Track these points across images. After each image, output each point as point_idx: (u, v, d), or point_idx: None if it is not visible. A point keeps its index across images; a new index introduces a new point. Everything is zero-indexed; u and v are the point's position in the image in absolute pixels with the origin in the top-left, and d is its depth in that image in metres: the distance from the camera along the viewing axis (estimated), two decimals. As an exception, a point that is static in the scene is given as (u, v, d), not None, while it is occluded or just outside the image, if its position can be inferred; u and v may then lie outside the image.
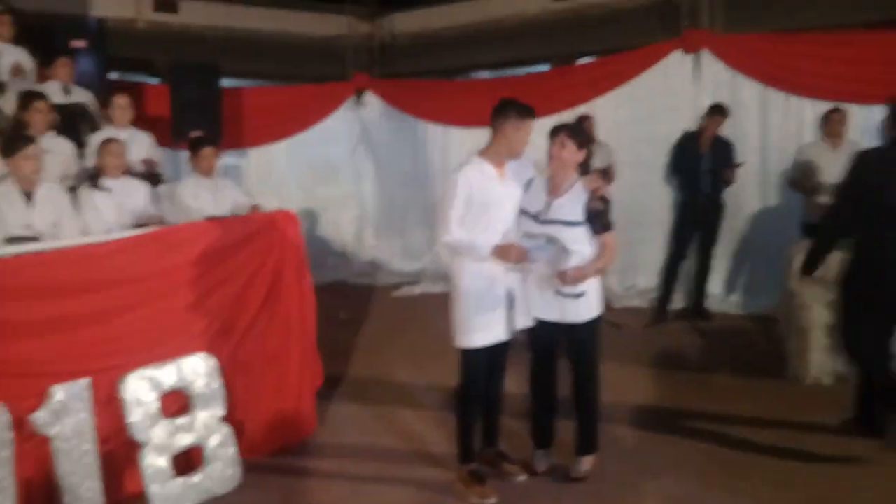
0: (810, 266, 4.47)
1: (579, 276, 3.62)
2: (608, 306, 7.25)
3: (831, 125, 6.29)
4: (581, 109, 7.85)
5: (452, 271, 3.85)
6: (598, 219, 3.64)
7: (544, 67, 9.50)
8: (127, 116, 6.00)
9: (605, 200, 3.67)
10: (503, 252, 3.59)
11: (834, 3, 7.84)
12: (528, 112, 3.68)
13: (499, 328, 3.76)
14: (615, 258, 3.86)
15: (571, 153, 3.69)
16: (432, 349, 5.68)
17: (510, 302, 3.77)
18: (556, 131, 3.76)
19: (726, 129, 7.11)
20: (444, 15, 11.11)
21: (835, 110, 6.33)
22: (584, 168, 3.84)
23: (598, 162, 7.13)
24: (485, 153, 3.76)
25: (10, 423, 3.28)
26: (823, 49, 6.92)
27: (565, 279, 3.61)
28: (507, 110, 3.67)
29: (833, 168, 6.17)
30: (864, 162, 4.27)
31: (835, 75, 6.74)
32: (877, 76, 6.48)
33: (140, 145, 5.99)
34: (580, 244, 3.66)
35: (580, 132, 3.82)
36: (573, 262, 3.64)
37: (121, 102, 5.99)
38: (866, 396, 4.40)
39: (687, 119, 7.33)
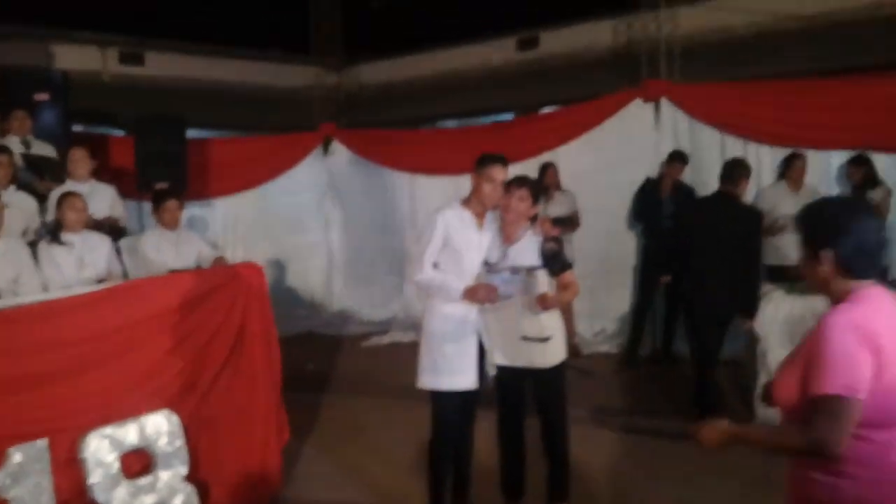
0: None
1: (554, 301, 3.64)
2: (578, 353, 7.37)
3: (793, 170, 6.45)
4: (545, 157, 7.97)
5: (424, 313, 3.86)
6: (556, 259, 3.68)
7: (508, 116, 9.66)
8: (85, 169, 5.94)
9: (558, 241, 3.73)
10: (472, 293, 3.64)
11: (787, 52, 8.15)
12: (491, 160, 3.74)
13: (469, 375, 3.75)
14: (578, 293, 3.91)
15: (528, 207, 3.75)
16: (402, 400, 5.60)
17: (480, 348, 3.77)
18: (512, 184, 3.77)
19: (687, 176, 7.26)
20: (410, 66, 11.32)
21: (797, 156, 6.49)
22: (534, 217, 3.90)
23: (562, 209, 7.23)
24: (466, 201, 3.83)
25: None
26: (778, 97, 7.11)
27: (546, 302, 3.61)
28: (478, 164, 3.76)
29: (793, 211, 6.32)
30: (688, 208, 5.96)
31: (789, 122, 6.92)
32: (830, 123, 6.70)
33: (102, 198, 5.93)
34: (541, 288, 3.69)
35: (537, 186, 3.87)
36: (530, 304, 3.65)
37: (77, 155, 5.95)
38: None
39: (649, 166, 7.46)
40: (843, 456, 1.96)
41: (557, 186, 7.47)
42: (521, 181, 3.76)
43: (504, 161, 3.76)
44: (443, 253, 3.75)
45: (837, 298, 2.15)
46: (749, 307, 5.26)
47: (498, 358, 3.80)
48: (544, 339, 3.74)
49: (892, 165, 6.65)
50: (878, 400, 1.97)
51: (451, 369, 3.73)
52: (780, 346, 5.25)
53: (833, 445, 1.93)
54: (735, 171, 5.62)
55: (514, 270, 3.65)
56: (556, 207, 7.23)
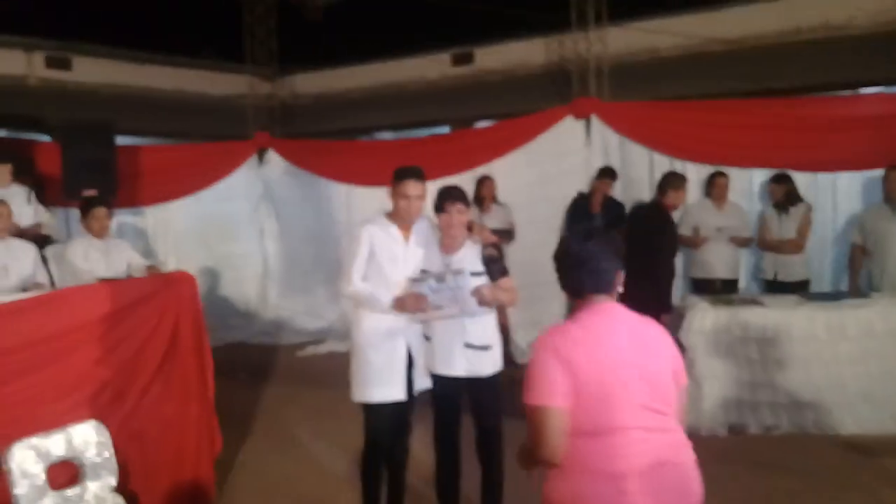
0: None
1: (490, 295, 3.64)
2: (513, 362, 7.47)
3: (716, 188, 6.71)
4: (479, 171, 8.09)
5: (352, 324, 3.86)
6: (496, 265, 3.72)
7: (444, 129, 9.76)
8: (4, 177, 5.81)
9: (497, 247, 3.78)
10: (401, 303, 3.66)
11: (712, 73, 8.48)
12: (402, 175, 3.73)
13: (398, 387, 3.77)
14: (517, 299, 3.92)
15: (465, 216, 3.77)
16: (336, 410, 5.59)
17: (409, 360, 3.80)
18: (446, 201, 3.74)
19: (618, 191, 7.47)
20: (346, 77, 11.33)
21: (720, 174, 6.75)
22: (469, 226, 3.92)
23: (497, 222, 7.34)
24: (390, 214, 3.85)
25: None
26: (703, 116, 7.38)
27: (481, 295, 3.60)
28: (393, 179, 3.76)
29: (718, 225, 6.62)
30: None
31: (714, 141, 7.19)
32: (753, 142, 7.00)
33: (16, 200, 5.77)
34: (467, 290, 3.66)
35: (464, 195, 3.81)
36: (470, 301, 3.64)
37: None
38: None
39: (580, 181, 7.65)
40: (561, 459, 2.23)
41: (493, 199, 7.59)
42: (453, 195, 3.74)
43: (419, 175, 3.74)
44: (369, 266, 3.77)
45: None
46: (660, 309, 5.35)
47: (439, 367, 3.81)
48: (486, 348, 3.79)
49: (812, 183, 6.97)
50: (580, 410, 2.23)
51: (380, 381, 3.75)
52: (706, 356, 5.46)
53: (540, 450, 2.24)
54: (664, 182, 5.94)
55: (439, 278, 3.64)
56: (492, 220, 7.34)
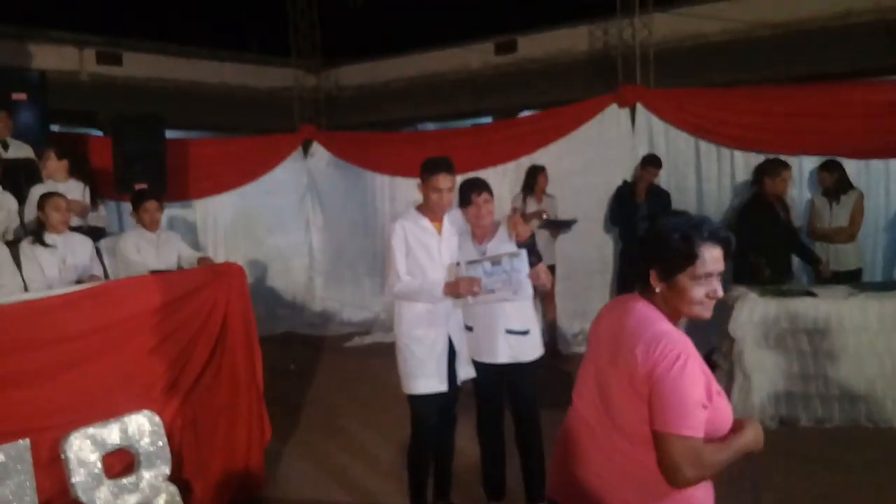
0: None
1: (547, 276, 3.74)
2: (559, 353, 7.47)
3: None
4: (523, 161, 8.06)
5: (395, 318, 3.91)
6: (531, 250, 3.76)
7: (487, 120, 9.73)
8: (63, 172, 5.98)
9: (531, 237, 3.82)
10: (453, 287, 3.68)
11: (759, 59, 8.30)
12: (433, 168, 3.74)
13: (441, 377, 3.80)
14: (550, 284, 3.99)
15: (491, 204, 3.81)
16: (384, 401, 5.67)
17: (452, 351, 3.83)
18: (472, 192, 3.79)
19: (664, 179, 7.38)
20: (389, 68, 11.37)
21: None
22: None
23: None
24: (421, 207, 3.88)
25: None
26: (750, 103, 7.22)
27: (539, 276, 3.68)
28: (422, 172, 3.78)
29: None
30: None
31: (761, 128, 7.03)
32: (802, 129, 6.83)
33: (73, 195, 5.96)
34: (525, 271, 3.70)
35: (487, 185, 3.85)
36: (525, 284, 3.69)
37: (51, 156, 6.00)
38: None
39: (625, 170, 7.57)
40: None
41: (543, 190, 7.53)
42: (478, 186, 3.78)
43: (450, 167, 3.75)
44: (409, 260, 3.80)
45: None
46: None
47: (483, 356, 3.85)
48: (525, 332, 3.83)
49: (863, 170, 6.80)
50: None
51: (424, 372, 3.79)
52: (755, 348, 5.38)
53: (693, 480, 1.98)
54: (758, 172, 5.96)
55: (495, 261, 3.68)
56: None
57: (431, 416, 3.84)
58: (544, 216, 7.20)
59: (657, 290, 2.08)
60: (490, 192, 3.81)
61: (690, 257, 2.01)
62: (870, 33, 7.96)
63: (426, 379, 3.79)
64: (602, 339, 2.18)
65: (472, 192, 3.78)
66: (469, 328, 3.90)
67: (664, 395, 1.93)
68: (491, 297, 3.71)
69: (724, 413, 2.03)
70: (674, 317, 2.10)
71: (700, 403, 1.93)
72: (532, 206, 7.34)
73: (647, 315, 2.08)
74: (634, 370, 1.98)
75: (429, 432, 3.88)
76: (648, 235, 2.13)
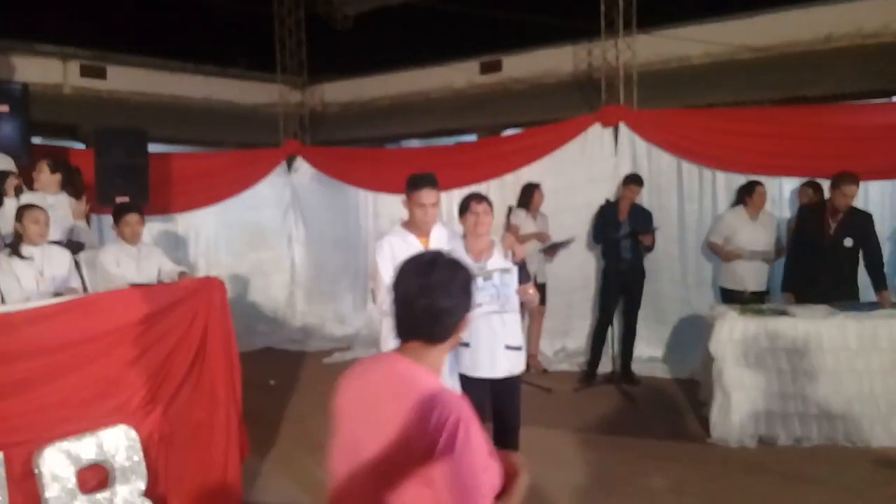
0: None
1: (534, 294, 3.86)
2: (541, 370, 7.49)
3: (756, 196, 6.63)
4: (507, 179, 8.12)
5: (380, 333, 3.93)
6: (523, 270, 3.89)
7: (472, 138, 9.77)
8: (54, 185, 5.97)
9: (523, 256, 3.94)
10: None
11: (741, 81, 8.41)
12: (417, 184, 3.80)
13: None
14: (537, 303, 4.16)
15: (490, 216, 3.89)
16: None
17: None
18: (471, 201, 3.88)
19: (646, 199, 7.43)
20: (375, 86, 11.41)
21: (758, 183, 6.65)
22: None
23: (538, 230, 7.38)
24: (406, 223, 3.93)
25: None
26: (731, 124, 7.32)
27: (526, 293, 3.80)
28: (407, 187, 3.85)
29: (750, 236, 6.57)
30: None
31: (742, 149, 7.12)
32: (782, 151, 6.92)
33: (64, 207, 5.93)
34: (514, 287, 3.84)
35: (487, 198, 3.96)
36: (512, 299, 3.81)
37: (45, 168, 5.96)
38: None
39: (608, 189, 7.62)
40: None
41: (538, 208, 7.56)
42: (478, 197, 3.89)
43: (434, 182, 3.82)
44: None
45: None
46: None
47: (483, 370, 3.89)
48: (519, 348, 3.97)
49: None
50: None
51: None
52: (735, 366, 5.41)
53: None
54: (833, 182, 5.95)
55: (487, 276, 3.75)
56: (534, 228, 7.38)
57: None
58: (546, 242, 7.27)
59: (458, 336, 1.90)
60: (490, 205, 3.89)
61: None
62: (850, 58, 8.08)
63: None
64: (356, 414, 1.89)
65: (472, 200, 3.87)
66: (465, 344, 3.92)
67: (452, 475, 1.67)
68: (477, 311, 3.74)
69: (496, 471, 1.83)
70: (437, 369, 1.90)
71: (486, 469, 1.75)
72: (528, 224, 7.37)
73: (413, 375, 1.82)
74: (409, 447, 1.71)
75: None
76: (448, 292, 1.84)
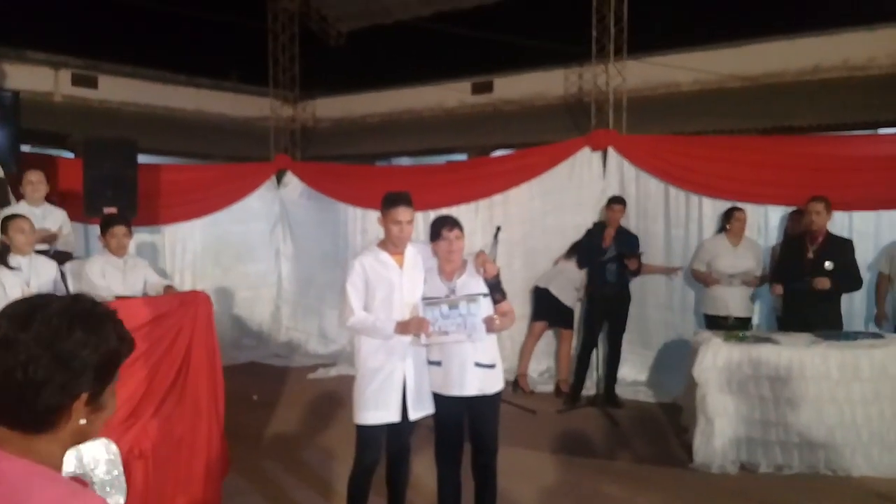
0: None
1: (501, 324, 3.80)
2: (526, 390, 7.50)
3: (736, 222, 6.72)
4: (496, 199, 8.15)
5: (355, 350, 3.97)
6: (497, 288, 3.84)
7: (462, 157, 9.82)
8: (40, 192, 5.92)
9: (496, 275, 3.88)
10: (404, 327, 3.77)
11: (729, 109, 8.51)
12: (393, 202, 3.82)
13: (391, 410, 3.85)
14: (514, 321, 4.08)
15: (461, 241, 3.88)
16: (346, 434, 5.57)
17: (404, 387, 3.86)
18: (443, 228, 3.85)
19: (633, 223, 7.49)
20: (366, 103, 11.45)
21: (737, 209, 6.76)
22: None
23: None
24: (382, 243, 3.95)
25: None
26: (719, 151, 7.40)
27: (492, 324, 3.75)
28: (383, 204, 3.86)
29: (731, 262, 6.63)
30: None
31: (729, 176, 7.19)
32: (768, 179, 7.00)
33: (54, 221, 5.90)
34: (483, 314, 3.81)
35: (458, 222, 3.93)
36: (479, 328, 3.76)
37: (34, 178, 5.91)
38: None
39: (595, 212, 7.68)
40: None
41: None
42: (450, 222, 3.87)
43: (408, 201, 3.84)
44: (368, 296, 3.87)
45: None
46: None
47: (453, 389, 3.87)
48: (492, 366, 3.91)
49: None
50: None
51: (375, 405, 3.84)
52: (718, 392, 5.43)
53: None
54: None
55: (453, 304, 3.75)
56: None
57: (374, 445, 3.90)
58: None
59: (82, 422, 1.35)
60: (461, 229, 3.88)
61: (127, 352, 1.43)
62: (837, 89, 8.20)
63: (375, 411, 3.85)
64: None
65: (443, 227, 3.85)
66: (436, 363, 3.91)
67: None
68: (444, 339, 3.79)
69: None
70: (60, 466, 1.37)
71: None
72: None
73: (26, 485, 1.24)
74: None
75: (368, 459, 3.93)
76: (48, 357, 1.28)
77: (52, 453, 1.33)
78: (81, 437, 1.38)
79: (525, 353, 7.76)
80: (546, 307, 7.63)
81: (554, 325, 7.72)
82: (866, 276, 6.51)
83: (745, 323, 6.60)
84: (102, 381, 1.37)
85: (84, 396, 1.33)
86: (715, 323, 6.58)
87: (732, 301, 6.67)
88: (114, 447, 3.74)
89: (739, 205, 6.87)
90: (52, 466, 1.31)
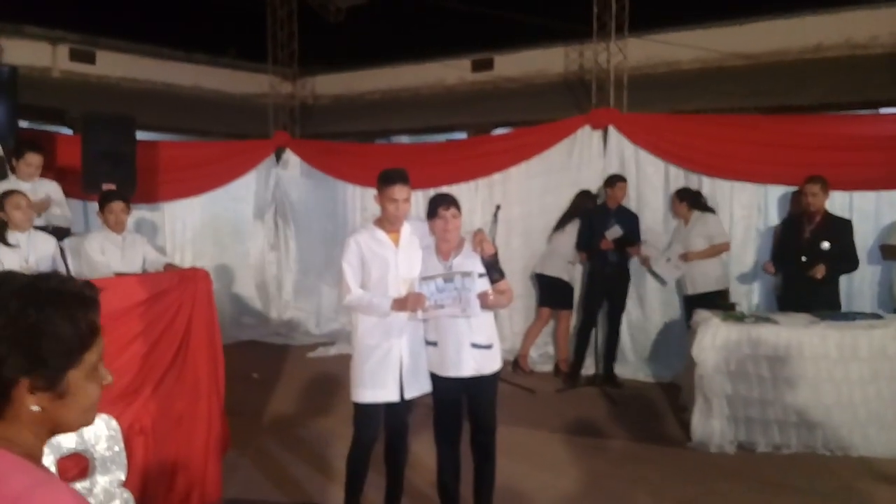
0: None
1: (495, 301, 3.80)
2: (525, 370, 7.53)
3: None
4: (496, 178, 8.13)
5: (352, 328, 3.98)
6: (495, 267, 3.82)
7: (461, 135, 9.77)
8: (35, 173, 5.93)
9: (494, 254, 3.86)
10: (401, 303, 3.77)
11: (730, 88, 8.45)
12: (389, 179, 3.79)
13: (390, 388, 3.86)
14: (512, 300, 4.09)
15: (458, 220, 3.86)
16: (345, 412, 5.60)
17: (401, 365, 3.87)
18: (440, 206, 3.83)
19: (633, 203, 7.47)
20: (366, 80, 11.37)
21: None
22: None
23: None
24: (378, 221, 3.94)
25: None
26: (719, 130, 7.36)
27: (487, 300, 3.75)
28: (379, 182, 3.84)
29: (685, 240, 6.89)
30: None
31: (729, 155, 7.18)
32: (768, 158, 6.97)
33: (44, 194, 5.88)
34: (478, 290, 3.80)
35: (456, 200, 3.90)
36: (474, 303, 3.75)
37: (33, 161, 5.92)
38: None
39: (596, 190, 7.65)
40: None
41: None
42: (447, 200, 3.85)
43: (405, 178, 3.81)
44: (365, 274, 3.87)
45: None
46: None
47: (449, 370, 3.87)
48: (489, 346, 3.90)
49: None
50: None
51: (373, 383, 3.86)
52: (716, 372, 5.45)
53: None
54: None
55: (448, 278, 3.75)
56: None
57: (372, 422, 3.92)
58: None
59: (34, 408, 1.24)
60: (458, 208, 3.86)
61: (90, 336, 1.33)
62: (838, 68, 8.14)
63: (372, 389, 3.86)
64: None
65: (440, 205, 3.83)
66: (433, 343, 3.92)
67: None
68: (440, 312, 3.79)
69: None
70: (36, 454, 1.28)
71: None
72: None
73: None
74: None
75: (366, 437, 3.96)
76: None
77: (23, 441, 1.24)
78: (50, 423, 1.28)
79: (530, 335, 7.78)
80: (548, 293, 7.64)
81: (554, 307, 7.72)
82: (865, 266, 6.53)
83: (723, 296, 6.84)
84: (51, 367, 1.24)
85: (25, 382, 1.22)
86: (695, 302, 6.68)
87: (706, 277, 7.02)
88: (114, 423, 3.76)
89: (739, 184, 6.90)
90: (27, 454, 1.24)
